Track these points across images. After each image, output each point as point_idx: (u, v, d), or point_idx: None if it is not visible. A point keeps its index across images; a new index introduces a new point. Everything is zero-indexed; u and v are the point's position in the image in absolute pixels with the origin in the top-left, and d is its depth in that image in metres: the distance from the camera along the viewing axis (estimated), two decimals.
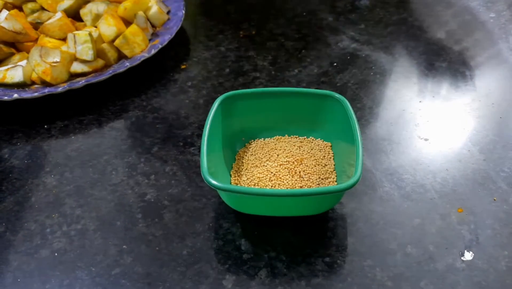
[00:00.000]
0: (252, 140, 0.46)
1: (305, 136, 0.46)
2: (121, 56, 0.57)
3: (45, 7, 0.60)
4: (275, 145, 0.45)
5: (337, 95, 0.44)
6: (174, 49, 0.62)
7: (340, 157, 0.44)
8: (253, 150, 0.45)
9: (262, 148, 0.45)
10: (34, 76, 0.53)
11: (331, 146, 0.45)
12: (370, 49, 0.61)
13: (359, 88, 0.55)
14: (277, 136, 0.47)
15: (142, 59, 0.56)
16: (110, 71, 0.54)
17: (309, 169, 0.43)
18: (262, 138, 0.47)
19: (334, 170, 0.43)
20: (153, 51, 0.57)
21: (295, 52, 0.61)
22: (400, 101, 0.53)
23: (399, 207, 0.42)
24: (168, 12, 0.63)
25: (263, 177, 0.42)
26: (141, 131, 0.51)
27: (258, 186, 0.41)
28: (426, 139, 0.49)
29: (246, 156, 0.44)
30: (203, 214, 0.42)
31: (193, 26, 0.67)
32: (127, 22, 0.59)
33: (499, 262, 0.38)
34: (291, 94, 0.46)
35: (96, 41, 0.55)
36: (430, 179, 0.44)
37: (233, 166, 0.44)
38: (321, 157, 0.44)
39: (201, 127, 0.51)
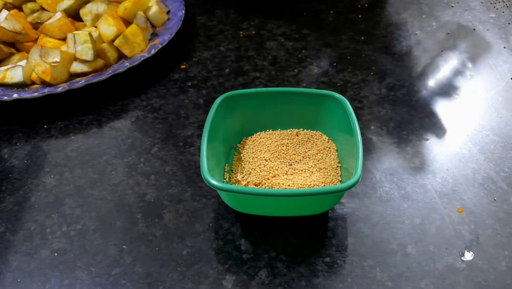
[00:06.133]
0: (252, 140, 0.46)
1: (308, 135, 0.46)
2: (121, 56, 0.57)
3: (45, 7, 0.60)
4: (275, 144, 0.45)
5: (337, 95, 0.44)
6: (174, 49, 0.62)
7: (340, 156, 0.44)
8: (253, 149, 0.45)
9: (262, 147, 0.45)
10: (34, 76, 0.53)
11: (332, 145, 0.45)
12: (370, 49, 0.61)
13: (359, 88, 0.55)
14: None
15: (142, 59, 0.56)
16: (110, 71, 0.54)
17: (311, 168, 0.43)
18: (263, 138, 0.46)
19: (336, 169, 0.43)
20: (153, 51, 0.57)
21: (295, 52, 0.61)
22: (400, 101, 0.53)
23: (399, 207, 0.42)
24: (168, 12, 0.63)
25: (263, 177, 0.42)
26: (141, 131, 0.51)
27: (258, 185, 0.41)
28: (426, 139, 0.49)
29: (246, 155, 0.44)
30: (203, 214, 0.42)
31: (193, 26, 0.66)
32: (127, 22, 0.59)
33: (500, 262, 0.38)
34: (291, 94, 0.46)
35: (96, 41, 0.55)
36: (430, 179, 0.44)
37: (233, 165, 0.44)
38: (323, 156, 0.44)
39: (201, 127, 0.51)
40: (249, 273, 0.38)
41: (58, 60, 0.53)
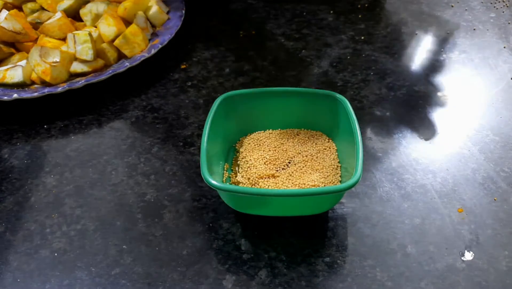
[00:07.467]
0: (252, 140, 0.46)
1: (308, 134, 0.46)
2: (121, 56, 0.57)
3: (45, 7, 0.60)
4: (275, 143, 0.45)
5: (337, 95, 0.44)
6: (174, 49, 0.62)
7: (340, 156, 0.44)
8: (253, 149, 0.45)
9: (262, 147, 0.45)
10: (33, 76, 0.53)
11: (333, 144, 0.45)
12: (370, 49, 0.61)
13: (359, 88, 0.55)
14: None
15: (142, 59, 0.56)
16: (110, 71, 0.54)
17: (311, 168, 0.43)
18: (262, 138, 0.46)
19: (336, 169, 0.43)
20: (153, 51, 0.57)
21: (295, 52, 0.61)
22: (400, 101, 0.53)
23: (399, 207, 0.42)
24: (168, 12, 0.63)
25: (263, 176, 0.42)
26: (141, 131, 0.51)
27: (258, 185, 0.41)
28: (426, 139, 0.48)
29: (246, 155, 0.44)
30: (203, 214, 0.42)
31: (193, 26, 0.66)
32: (127, 22, 0.59)
33: (500, 262, 0.38)
34: (291, 94, 0.46)
35: (95, 41, 0.55)
36: (430, 179, 0.44)
37: (233, 165, 0.44)
38: (323, 156, 0.44)
39: (201, 127, 0.51)
40: (249, 273, 0.38)
41: (58, 60, 0.53)
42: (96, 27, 0.57)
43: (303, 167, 0.43)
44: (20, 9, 0.60)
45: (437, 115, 0.51)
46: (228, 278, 0.37)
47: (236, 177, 0.43)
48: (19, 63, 0.54)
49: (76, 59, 0.54)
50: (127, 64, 0.55)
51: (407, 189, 0.43)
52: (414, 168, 0.45)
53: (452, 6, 0.69)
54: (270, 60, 0.60)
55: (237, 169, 0.44)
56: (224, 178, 0.43)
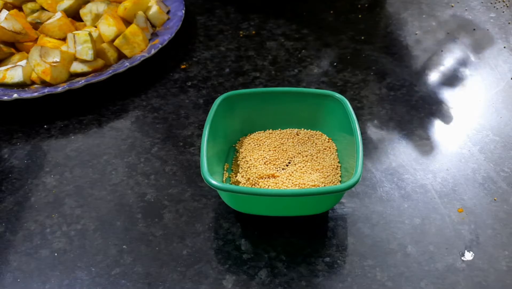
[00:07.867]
0: (252, 139, 0.46)
1: (308, 133, 0.46)
2: (121, 56, 0.57)
3: (45, 7, 0.60)
4: (275, 143, 0.45)
5: (337, 95, 0.44)
6: (174, 49, 0.62)
7: (340, 156, 0.44)
8: (253, 149, 0.45)
9: (262, 147, 0.45)
10: (34, 76, 0.53)
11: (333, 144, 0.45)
12: (370, 49, 0.61)
13: (359, 88, 0.55)
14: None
15: (142, 59, 0.56)
16: (110, 71, 0.54)
17: (311, 168, 0.43)
18: (262, 138, 0.46)
19: (336, 169, 0.43)
20: (153, 51, 0.57)
21: (295, 52, 0.61)
22: (400, 101, 0.53)
23: (399, 207, 0.42)
24: (168, 12, 0.63)
25: (263, 176, 0.42)
26: (141, 131, 0.51)
27: (258, 185, 0.41)
28: (426, 139, 0.49)
29: (246, 155, 0.44)
30: (203, 214, 0.42)
31: (193, 26, 0.66)
32: (127, 22, 0.59)
33: (500, 262, 0.38)
34: (291, 94, 0.46)
35: (96, 41, 0.55)
36: (430, 179, 0.44)
37: (233, 165, 0.44)
38: (323, 156, 0.44)
39: (201, 127, 0.51)
40: (249, 273, 0.38)
41: (58, 60, 0.53)
42: (96, 27, 0.57)
43: (303, 167, 0.43)
44: (20, 9, 0.60)
45: (437, 115, 0.51)
46: (228, 278, 0.37)
47: (236, 177, 0.43)
48: (19, 63, 0.54)
49: (76, 59, 0.54)
50: (127, 64, 0.55)
51: (407, 189, 0.43)
52: (414, 168, 0.45)
53: (452, 6, 0.69)
54: (270, 60, 0.60)
55: (237, 169, 0.44)
56: (224, 178, 0.43)
